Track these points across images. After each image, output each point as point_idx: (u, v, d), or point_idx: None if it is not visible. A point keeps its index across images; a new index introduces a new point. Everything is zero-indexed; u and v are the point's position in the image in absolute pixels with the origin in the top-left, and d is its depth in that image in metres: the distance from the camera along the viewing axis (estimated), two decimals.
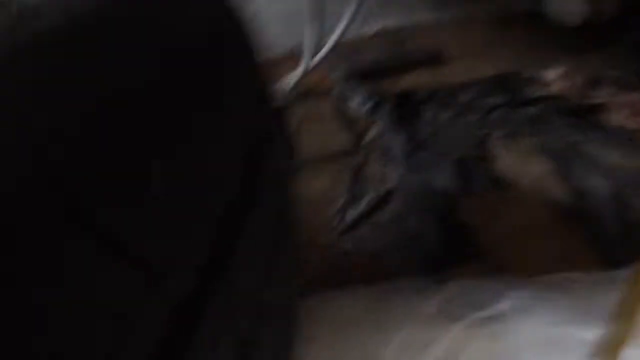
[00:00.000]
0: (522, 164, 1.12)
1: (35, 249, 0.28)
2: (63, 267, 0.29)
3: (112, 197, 0.33)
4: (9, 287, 0.27)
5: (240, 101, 0.52)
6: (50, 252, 0.29)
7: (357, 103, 1.34)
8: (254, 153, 0.52)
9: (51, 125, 0.30)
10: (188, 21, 0.46)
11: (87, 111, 0.33)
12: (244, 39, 0.55)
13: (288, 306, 0.64)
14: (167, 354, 0.37)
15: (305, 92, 1.38)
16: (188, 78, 0.43)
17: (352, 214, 1.08)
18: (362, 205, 1.09)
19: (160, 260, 0.36)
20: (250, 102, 0.55)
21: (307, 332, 0.68)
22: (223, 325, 0.44)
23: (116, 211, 0.33)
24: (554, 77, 1.31)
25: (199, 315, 0.40)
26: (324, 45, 1.34)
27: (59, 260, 0.29)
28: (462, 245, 0.99)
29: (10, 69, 0.30)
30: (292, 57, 1.39)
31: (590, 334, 0.76)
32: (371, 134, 1.26)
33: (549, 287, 0.85)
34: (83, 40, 0.35)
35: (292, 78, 1.36)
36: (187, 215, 0.40)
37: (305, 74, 1.35)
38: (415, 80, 1.44)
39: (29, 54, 0.31)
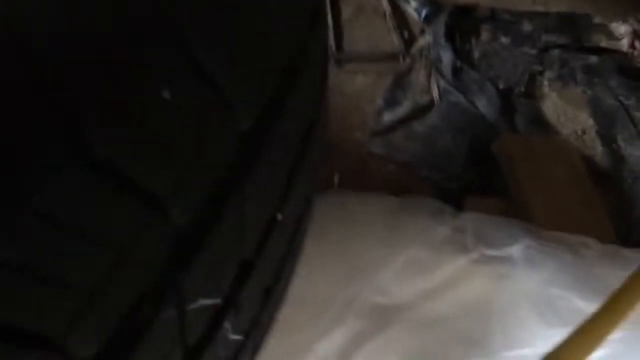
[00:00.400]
0: (567, 113, 1.10)
1: (35, 173, 0.26)
2: (62, 192, 0.27)
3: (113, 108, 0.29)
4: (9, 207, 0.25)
5: None
6: (50, 175, 0.27)
7: (414, 6, 1.29)
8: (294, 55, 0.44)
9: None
10: None
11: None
12: None
13: (301, 214, 0.59)
14: (171, 270, 0.35)
15: None
16: None
17: (388, 117, 1.06)
18: (400, 112, 1.07)
19: (164, 188, 0.33)
20: None
21: (315, 227, 0.67)
22: (229, 247, 0.42)
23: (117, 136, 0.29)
24: (625, 32, 1.26)
25: (201, 243, 0.37)
26: None
27: (59, 183, 0.27)
28: (488, 177, 0.99)
29: None
30: None
31: (587, 305, 0.76)
32: (422, 41, 1.22)
33: (563, 245, 0.84)
34: None
35: None
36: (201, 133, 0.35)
37: None
38: None
39: None
